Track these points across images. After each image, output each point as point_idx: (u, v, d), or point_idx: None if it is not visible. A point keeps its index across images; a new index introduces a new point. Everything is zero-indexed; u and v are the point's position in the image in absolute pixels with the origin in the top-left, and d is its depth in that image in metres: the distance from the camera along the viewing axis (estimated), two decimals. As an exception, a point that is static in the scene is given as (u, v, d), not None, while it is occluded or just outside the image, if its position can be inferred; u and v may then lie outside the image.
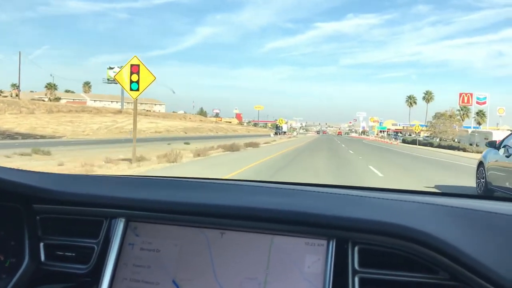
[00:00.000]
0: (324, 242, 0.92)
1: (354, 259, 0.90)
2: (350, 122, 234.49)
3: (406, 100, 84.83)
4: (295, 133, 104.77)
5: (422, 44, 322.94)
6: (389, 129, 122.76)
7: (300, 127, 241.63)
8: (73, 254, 1.10)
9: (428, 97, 79.15)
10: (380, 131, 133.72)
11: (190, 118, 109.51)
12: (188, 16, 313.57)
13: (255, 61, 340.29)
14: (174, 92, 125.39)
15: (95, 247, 1.07)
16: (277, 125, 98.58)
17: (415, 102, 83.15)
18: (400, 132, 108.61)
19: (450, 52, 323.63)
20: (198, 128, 78.01)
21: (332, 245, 0.91)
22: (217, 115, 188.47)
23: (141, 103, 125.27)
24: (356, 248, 0.91)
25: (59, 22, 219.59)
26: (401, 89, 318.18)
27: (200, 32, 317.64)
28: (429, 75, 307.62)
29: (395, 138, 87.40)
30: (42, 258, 1.11)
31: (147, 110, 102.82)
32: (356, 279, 0.88)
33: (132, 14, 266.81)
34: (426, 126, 70.02)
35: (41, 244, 1.12)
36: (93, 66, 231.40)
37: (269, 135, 67.75)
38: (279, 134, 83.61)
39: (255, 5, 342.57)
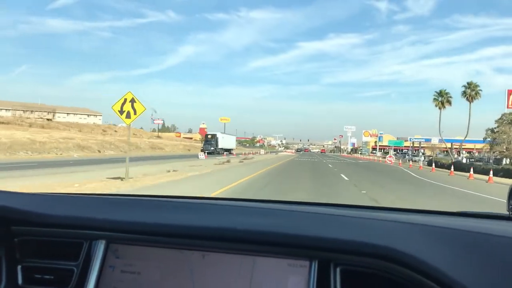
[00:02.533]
0: (307, 263, 0.91)
1: (336, 280, 0.89)
2: (335, 139, 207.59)
3: (434, 99, 52.79)
4: (262, 152, 72.49)
5: (402, 63, 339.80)
6: (399, 147, 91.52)
7: (280, 145, 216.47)
8: (52, 277, 1.06)
9: (471, 92, 48.21)
10: (381, 148, 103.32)
11: (116, 131, 78.39)
12: (172, 35, 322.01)
13: (238, 79, 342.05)
14: (156, 112, 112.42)
15: (75, 269, 1.05)
16: (207, 136, 61.32)
17: (448, 102, 51.44)
18: (416, 150, 78.39)
19: (429, 71, 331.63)
20: (107, 145, 46.70)
21: (315, 266, 0.91)
22: (174, 129, 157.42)
23: (67, 113, 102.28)
24: (338, 269, 0.90)
25: (41, 41, 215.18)
26: (381, 108, 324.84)
27: (183, 51, 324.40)
28: (409, 93, 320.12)
29: (411, 159, 56.63)
30: (20, 281, 1.08)
31: (47, 120, 71.36)
32: None
33: (116, 33, 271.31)
34: (484, 142, 40.70)
35: (19, 267, 1.09)
36: (76, 85, 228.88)
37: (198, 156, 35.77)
38: (214, 152, 51.01)
39: (238, 24, 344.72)
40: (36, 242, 1.10)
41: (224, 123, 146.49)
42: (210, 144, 55.66)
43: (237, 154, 52.70)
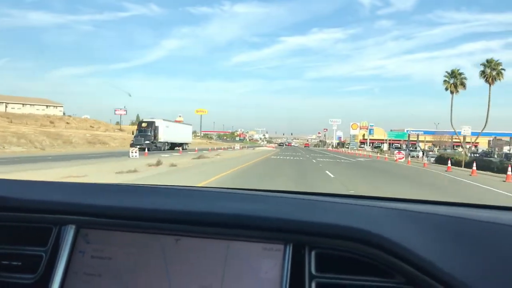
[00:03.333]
0: (281, 247, 0.91)
1: (311, 263, 0.89)
2: (319, 133, 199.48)
3: (445, 81, 42.65)
4: (237, 147, 62.20)
5: (385, 58, 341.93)
6: (402, 140, 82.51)
7: (263, 139, 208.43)
8: (20, 263, 1.03)
9: (491, 72, 38.74)
10: (372, 142, 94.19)
11: (68, 122, 67.45)
12: (154, 29, 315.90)
13: (221, 74, 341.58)
14: (130, 95, 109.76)
15: (44, 255, 1.02)
16: (140, 125, 42.03)
17: (462, 84, 41.66)
18: (412, 144, 69.24)
19: (411, 66, 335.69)
20: (14, 139, 35.89)
21: (289, 250, 0.90)
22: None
23: (23, 104, 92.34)
24: (313, 253, 0.90)
25: (21, 34, 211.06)
26: (364, 102, 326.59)
27: (166, 45, 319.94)
28: (391, 88, 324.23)
29: (409, 154, 47.37)
30: None
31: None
32: (313, 284, 0.87)
33: (97, 26, 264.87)
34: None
35: None
36: (56, 79, 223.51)
37: (131, 154, 25.23)
38: (151, 148, 37.29)
39: (222, 18, 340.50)
40: (3, 227, 1.07)
41: (201, 115, 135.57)
42: (144, 136, 39.54)
43: (201, 150, 41.93)
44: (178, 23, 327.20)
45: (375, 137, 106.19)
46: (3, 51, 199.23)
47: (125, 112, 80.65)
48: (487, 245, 0.80)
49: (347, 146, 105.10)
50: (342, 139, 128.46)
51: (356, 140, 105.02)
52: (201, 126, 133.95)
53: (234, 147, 60.40)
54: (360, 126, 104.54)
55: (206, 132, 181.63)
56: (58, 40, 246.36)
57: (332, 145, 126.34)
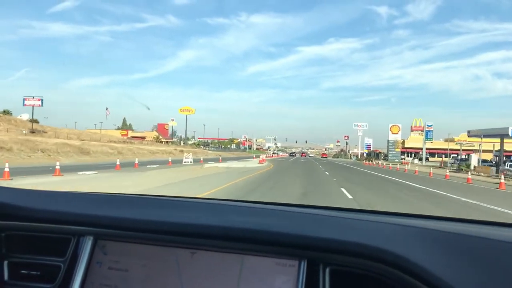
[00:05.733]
0: (296, 262, 0.90)
1: (325, 280, 0.88)
2: (338, 141, 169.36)
3: None
4: (189, 158, 33.72)
5: (401, 68, 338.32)
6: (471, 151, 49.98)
7: (275, 148, 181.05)
8: (39, 273, 1.05)
9: None
10: (405, 152, 63.48)
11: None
12: (171, 40, 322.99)
13: (237, 84, 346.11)
14: (148, 109, 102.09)
15: (62, 265, 1.03)
16: None
17: None
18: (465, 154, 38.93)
19: (428, 75, 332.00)
20: None
21: (304, 266, 0.89)
22: (130, 127, 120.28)
23: None
24: (327, 270, 0.89)
25: (41, 45, 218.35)
26: (381, 112, 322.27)
27: (183, 55, 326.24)
28: (408, 98, 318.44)
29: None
30: (6, 277, 1.06)
31: None
32: None
33: (115, 37, 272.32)
34: None
35: (5, 262, 1.08)
36: (75, 89, 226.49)
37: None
38: None
39: (238, 29, 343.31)
40: (23, 237, 1.08)
41: (186, 115, 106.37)
42: None
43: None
44: (195, 34, 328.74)
45: (411, 145, 76.61)
46: (23, 61, 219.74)
47: (39, 103, 52.52)
48: (504, 266, 0.77)
49: (382, 158, 75.40)
50: (371, 148, 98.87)
51: (396, 149, 75.33)
52: (186, 128, 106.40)
53: (185, 157, 32.12)
54: (413, 127, 71.07)
55: (204, 139, 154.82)
56: (77, 51, 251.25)
57: (356, 156, 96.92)
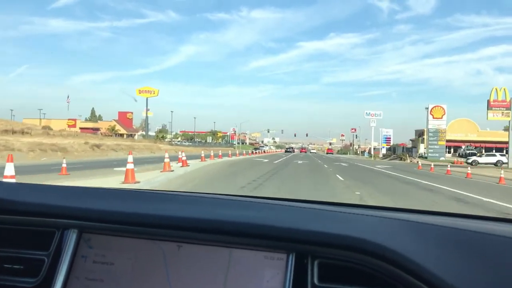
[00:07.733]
0: (284, 256, 0.90)
1: (313, 273, 0.88)
2: (343, 135, 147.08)
3: None
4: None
5: (403, 62, 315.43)
6: None
7: (271, 143, 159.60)
8: (22, 267, 1.03)
9: None
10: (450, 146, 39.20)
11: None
12: (172, 35, 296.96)
13: (238, 79, 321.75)
14: (136, 101, 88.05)
15: (46, 259, 1.01)
16: None
17: None
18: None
19: (430, 70, 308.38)
20: None
21: (292, 259, 0.90)
22: (99, 118, 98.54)
23: None
24: (315, 262, 0.89)
25: (42, 41, 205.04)
26: (382, 107, 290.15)
27: (184, 51, 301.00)
28: (409, 93, 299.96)
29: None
30: None
31: None
32: None
33: (116, 33, 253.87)
34: None
35: None
36: (76, 85, 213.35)
37: None
38: None
39: (239, 24, 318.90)
40: (6, 230, 1.06)
41: (146, 98, 76.41)
42: None
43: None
44: (196, 29, 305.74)
45: (451, 136, 54.23)
46: (23, 57, 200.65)
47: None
48: (498, 260, 0.78)
49: (419, 154, 52.84)
50: (391, 141, 76.46)
51: (440, 142, 52.08)
52: (147, 115, 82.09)
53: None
54: (491, 102, 40.23)
55: (187, 132, 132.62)
56: (78, 47, 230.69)
57: (368, 152, 74.88)
